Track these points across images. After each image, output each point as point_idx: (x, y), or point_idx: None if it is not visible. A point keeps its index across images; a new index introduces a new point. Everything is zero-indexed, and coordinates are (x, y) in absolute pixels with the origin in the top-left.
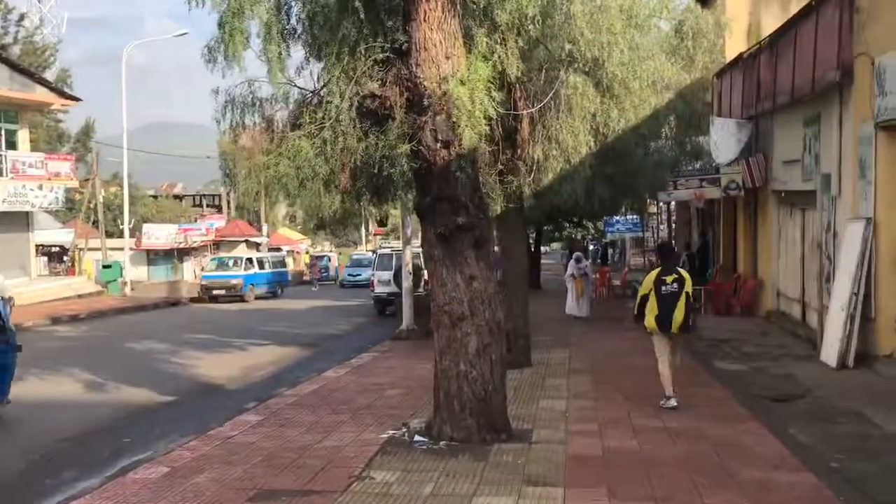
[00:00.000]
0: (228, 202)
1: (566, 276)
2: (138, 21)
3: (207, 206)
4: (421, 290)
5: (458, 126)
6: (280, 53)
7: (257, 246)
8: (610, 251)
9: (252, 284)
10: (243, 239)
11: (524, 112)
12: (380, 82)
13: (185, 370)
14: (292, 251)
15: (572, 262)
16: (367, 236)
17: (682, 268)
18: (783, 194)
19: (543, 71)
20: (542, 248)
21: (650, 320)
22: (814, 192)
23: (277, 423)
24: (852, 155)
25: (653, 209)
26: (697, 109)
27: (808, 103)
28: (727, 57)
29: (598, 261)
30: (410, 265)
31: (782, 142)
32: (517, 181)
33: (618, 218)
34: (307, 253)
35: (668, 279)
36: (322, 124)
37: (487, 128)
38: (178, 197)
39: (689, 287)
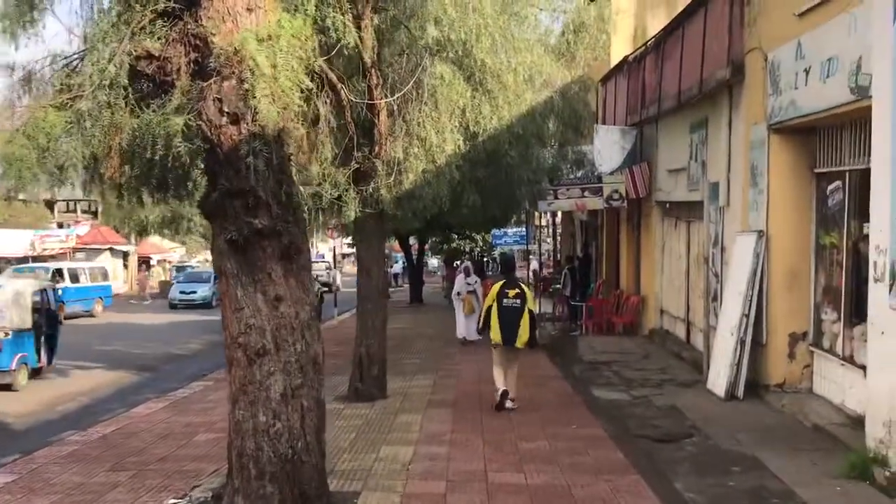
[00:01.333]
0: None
1: (453, 293)
2: None
3: (83, 211)
4: None
5: (253, 96)
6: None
7: (124, 255)
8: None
9: (62, 302)
10: (107, 247)
11: (381, 102)
12: (161, 40)
13: None
14: (163, 261)
15: (460, 276)
16: None
17: (564, 283)
18: (668, 205)
19: (405, 56)
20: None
21: (495, 334)
22: (700, 203)
23: (27, 489)
24: (743, 161)
25: (541, 222)
26: (579, 111)
27: (695, 106)
28: (613, 61)
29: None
30: None
31: (667, 149)
32: (375, 183)
33: (505, 230)
34: (152, 265)
35: (511, 293)
36: (79, 93)
37: (303, 103)
38: (49, 203)
39: (530, 303)
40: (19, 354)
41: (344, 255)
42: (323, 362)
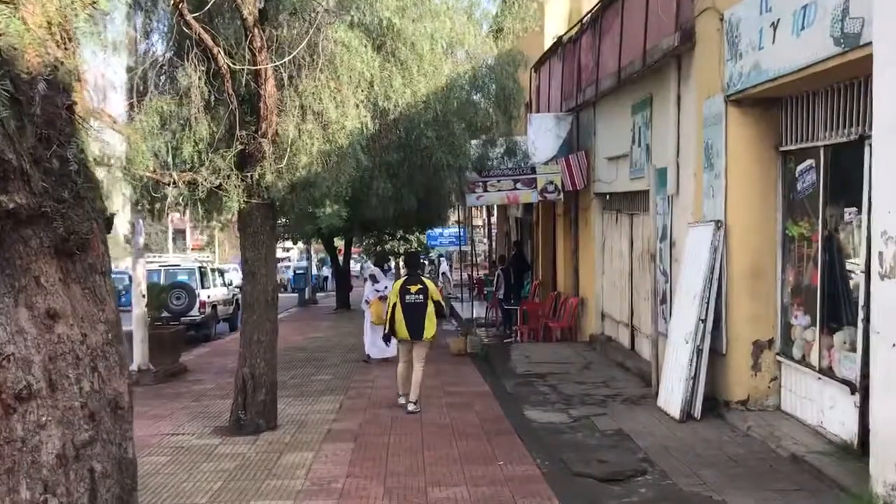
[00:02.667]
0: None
1: (362, 302)
2: None
3: None
4: (195, 313)
5: None
6: None
7: None
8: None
9: None
10: None
11: (266, 68)
12: None
13: None
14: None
15: (367, 283)
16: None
17: (496, 285)
18: (608, 197)
19: (298, 17)
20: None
21: (401, 330)
22: (644, 193)
23: None
24: (695, 142)
25: (478, 221)
26: (509, 89)
27: (637, 84)
28: (546, 43)
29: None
30: (143, 284)
31: (606, 135)
32: (262, 167)
33: (441, 230)
34: None
35: (413, 289)
36: None
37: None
38: None
39: (434, 295)
40: None
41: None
42: (131, 404)
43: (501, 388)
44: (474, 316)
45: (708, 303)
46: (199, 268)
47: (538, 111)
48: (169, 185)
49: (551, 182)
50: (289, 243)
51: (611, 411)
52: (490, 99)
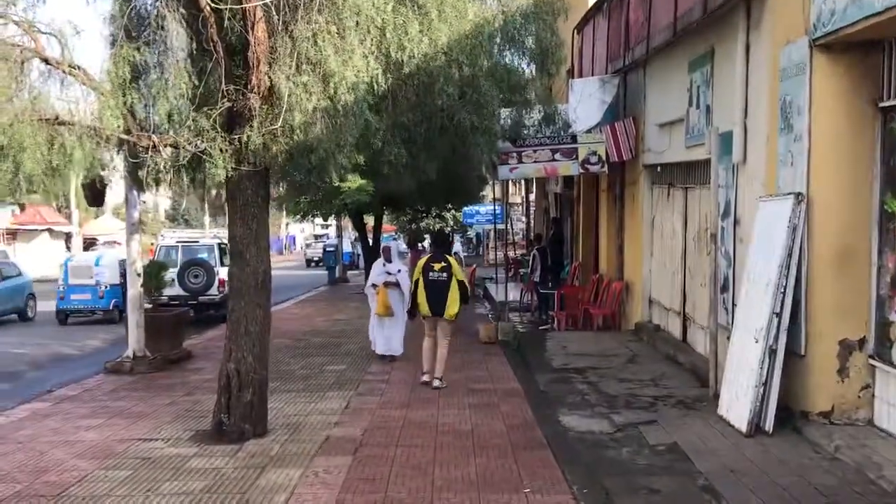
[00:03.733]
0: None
1: (367, 286)
2: None
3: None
4: (214, 292)
5: None
6: None
7: (67, 237)
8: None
9: None
10: (45, 228)
11: (253, 6)
12: None
13: None
14: (113, 242)
15: (377, 264)
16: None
17: (532, 266)
18: (658, 169)
19: None
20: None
21: (423, 307)
22: (703, 163)
23: None
24: (768, 98)
25: (516, 198)
26: (546, 41)
27: (695, 36)
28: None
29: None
30: (138, 263)
31: (658, 99)
32: (254, 129)
33: (477, 208)
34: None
35: (437, 266)
36: None
37: None
38: None
39: (458, 274)
40: None
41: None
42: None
43: (534, 386)
44: (508, 299)
45: (784, 293)
46: (220, 244)
47: (580, 76)
48: (148, 149)
49: (594, 152)
50: (330, 220)
51: (661, 418)
52: (524, 53)
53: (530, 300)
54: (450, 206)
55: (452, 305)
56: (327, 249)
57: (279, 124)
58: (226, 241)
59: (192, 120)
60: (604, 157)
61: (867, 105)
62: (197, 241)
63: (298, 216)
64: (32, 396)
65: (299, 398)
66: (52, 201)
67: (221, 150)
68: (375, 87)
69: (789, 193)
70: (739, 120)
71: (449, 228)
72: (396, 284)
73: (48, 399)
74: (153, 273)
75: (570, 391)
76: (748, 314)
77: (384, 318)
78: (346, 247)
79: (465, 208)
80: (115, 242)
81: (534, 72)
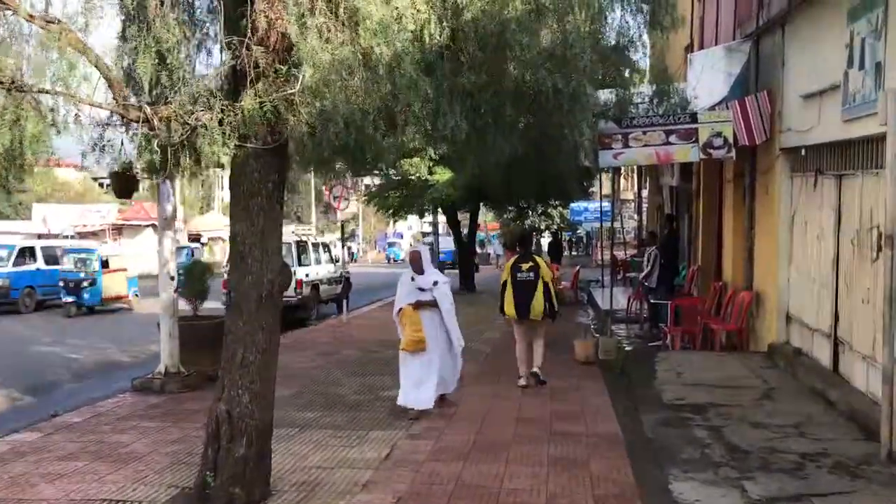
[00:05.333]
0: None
1: (393, 311)
2: None
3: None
4: (290, 294)
5: None
6: None
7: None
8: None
9: (31, 287)
10: (149, 223)
11: None
12: None
13: None
14: (216, 238)
15: (403, 278)
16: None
17: (650, 269)
18: (803, 152)
19: None
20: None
21: (509, 308)
22: (869, 141)
23: None
24: None
25: (628, 195)
26: None
27: None
28: None
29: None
30: (172, 264)
31: (802, 63)
32: (263, 96)
33: (586, 205)
34: (203, 243)
35: (524, 266)
36: None
37: None
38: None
39: (546, 275)
40: None
41: (424, 234)
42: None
43: (638, 429)
44: (613, 308)
45: None
46: (298, 241)
47: (701, 48)
48: (138, 122)
49: (719, 133)
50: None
51: (814, 487)
52: (629, 2)
53: (639, 309)
54: (556, 202)
55: (538, 306)
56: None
57: (298, 87)
58: (305, 238)
59: (184, 82)
60: (731, 140)
61: None
62: None
63: (388, 212)
64: (33, 422)
65: (335, 439)
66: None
67: (220, 123)
68: (427, 35)
69: None
70: None
71: (555, 227)
72: (434, 304)
73: (43, 428)
74: (194, 276)
75: (685, 440)
76: None
77: (415, 356)
78: (450, 244)
79: (573, 205)
80: (219, 239)
81: (641, 26)
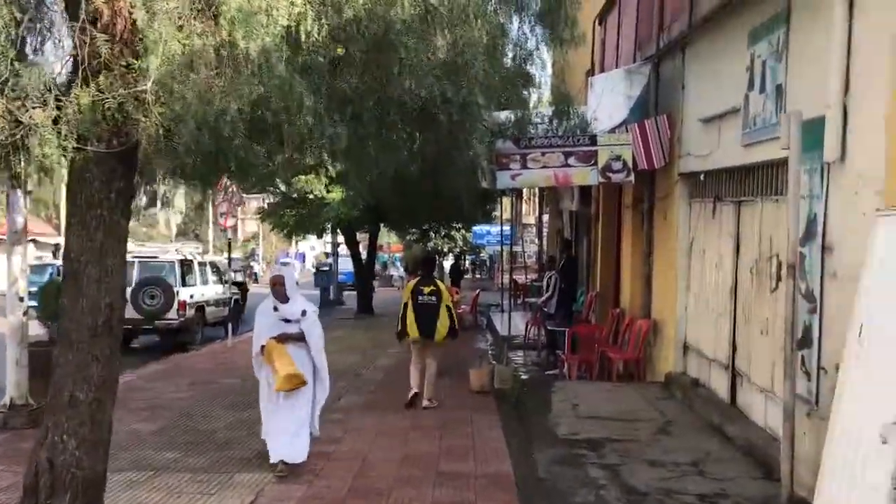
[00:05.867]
0: (27, 193)
1: (253, 351)
2: None
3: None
4: (173, 315)
5: None
6: None
7: (55, 248)
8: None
9: None
10: (29, 239)
11: None
12: None
13: None
14: None
15: (262, 307)
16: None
17: (549, 294)
18: (702, 177)
19: None
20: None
21: (412, 329)
22: (766, 166)
23: None
24: (888, 65)
25: (530, 219)
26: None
27: None
28: None
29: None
30: (21, 283)
31: (702, 86)
32: (107, 91)
33: (488, 228)
34: None
35: (426, 290)
36: None
37: None
38: None
39: (446, 299)
40: None
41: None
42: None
43: (531, 468)
44: (511, 334)
45: None
46: (182, 260)
47: (602, 71)
48: None
49: (618, 157)
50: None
51: None
52: (525, 9)
53: (537, 335)
54: (458, 224)
55: (442, 329)
56: (320, 269)
57: (149, 83)
58: (190, 256)
59: (14, 75)
60: (630, 164)
61: None
62: (156, 257)
63: (284, 232)
64: None
65: (193, 484)
66: (42, 211)
67: (55, 121)
68: (304, 31)
69: None
70: (836, 99)
71: (458, 250)
72: (301, 338)
73: None
74: (51, 296)
75: (580, 481)
76: (863, 393)
77: (288, 399)
78: (349, 266)
79: (476, 228)
80: None
81: (539, 39)
